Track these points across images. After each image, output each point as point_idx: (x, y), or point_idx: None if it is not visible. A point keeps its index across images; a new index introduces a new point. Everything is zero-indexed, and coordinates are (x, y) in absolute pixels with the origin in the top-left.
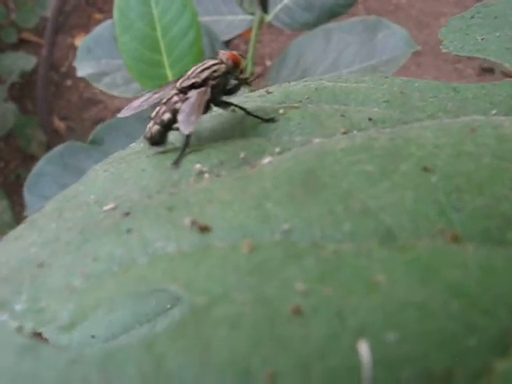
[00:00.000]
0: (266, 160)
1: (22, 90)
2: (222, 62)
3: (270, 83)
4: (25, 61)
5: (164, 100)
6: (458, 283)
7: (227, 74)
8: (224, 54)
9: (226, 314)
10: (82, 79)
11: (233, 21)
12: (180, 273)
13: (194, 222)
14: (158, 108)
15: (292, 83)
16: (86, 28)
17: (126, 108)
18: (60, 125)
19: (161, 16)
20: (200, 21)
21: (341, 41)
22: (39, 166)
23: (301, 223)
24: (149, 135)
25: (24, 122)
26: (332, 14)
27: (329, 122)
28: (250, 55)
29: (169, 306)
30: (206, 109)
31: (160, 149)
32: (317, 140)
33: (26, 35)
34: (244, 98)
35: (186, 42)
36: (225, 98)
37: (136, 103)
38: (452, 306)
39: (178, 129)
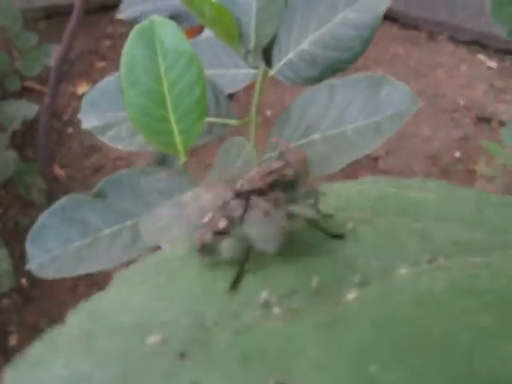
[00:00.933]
0: (350, 296)
1: (24, 138)
2: (289, 165)
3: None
4: (27, 108)
5: (219, 204)
6: None
7: (295, 178)
8: (291, 154)
9: None
10: None
11: (237, 74)
12: None
13: None
14: (211, 213)
15: (345, 184)
16: (88, 76)
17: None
18: (60, 172)
19: (167, 71)
20: (205, 74)
21: (345, 97)
22: (42, 218)
23: None
24: (200, 245)
25: (24, 170)
26: (335, 70)
27: (408, 244)
28: (254, 110)
29: None
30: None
31: (208, 259)
32: (402, 271)
33: (29, 83)
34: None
35: (192, 98)
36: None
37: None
38: None
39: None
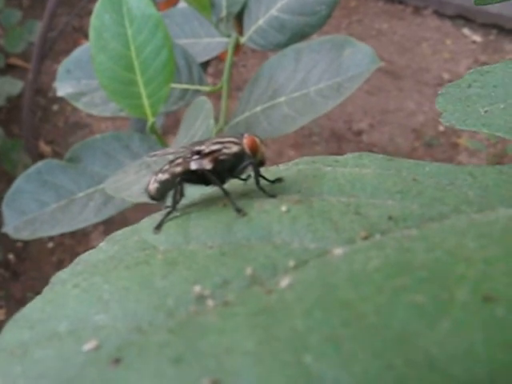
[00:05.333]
0: (284, 283)
1: (9, 114)
2: (238, 143)
3: (242, 103)
4: (11, 85)
5: (171, 159)
6: None
7: (239, 155)
8: (245, 138)
9: None
10: (69, 103)
11: (210, 43)
12: None
13: None
14: (164, 165)
15: (281, 167)
16: None
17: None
18: (46, 149)
19: (135, 36)
20: (178, 43)
21: (310, 60)
22: (18, 182)
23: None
24: (147, 190)
25: (10, 146)
26: (303, 35)
27: (344, 223)
28: (225, 77)
29: None
30: (204, 181)
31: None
32: (337, 251)
33: (14, 60)
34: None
35: (159, 61)
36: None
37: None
38: None
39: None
